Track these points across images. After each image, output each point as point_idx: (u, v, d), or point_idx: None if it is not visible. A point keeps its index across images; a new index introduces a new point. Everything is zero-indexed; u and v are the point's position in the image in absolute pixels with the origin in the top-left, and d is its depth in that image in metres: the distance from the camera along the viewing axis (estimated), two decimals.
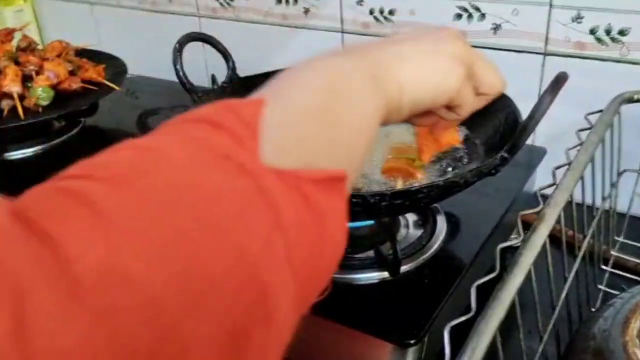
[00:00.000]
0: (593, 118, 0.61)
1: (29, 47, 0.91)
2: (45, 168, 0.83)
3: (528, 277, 0.40)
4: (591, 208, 0.58)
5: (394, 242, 0.52)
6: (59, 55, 0.91)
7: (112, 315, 0.20)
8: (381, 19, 0.89)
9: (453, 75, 0.41)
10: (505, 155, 0.48)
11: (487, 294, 0.38)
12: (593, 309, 0.59)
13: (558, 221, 0.46)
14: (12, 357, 0.18)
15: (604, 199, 0.62)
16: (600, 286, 0.63)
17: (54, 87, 0.85)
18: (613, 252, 0.68)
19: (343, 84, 0.34)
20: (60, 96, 0.85)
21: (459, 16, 0.82)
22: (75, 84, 0.87)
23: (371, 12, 0.90)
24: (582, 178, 0.52)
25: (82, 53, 0.97)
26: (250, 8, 1.03)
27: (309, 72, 0.34)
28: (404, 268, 0.54)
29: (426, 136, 0.52)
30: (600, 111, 0.62)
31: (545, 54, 0.77)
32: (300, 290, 0.27)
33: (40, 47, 0.95)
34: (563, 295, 0.50)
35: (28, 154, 0.86)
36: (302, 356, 0.48)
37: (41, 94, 0.82)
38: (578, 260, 0.53)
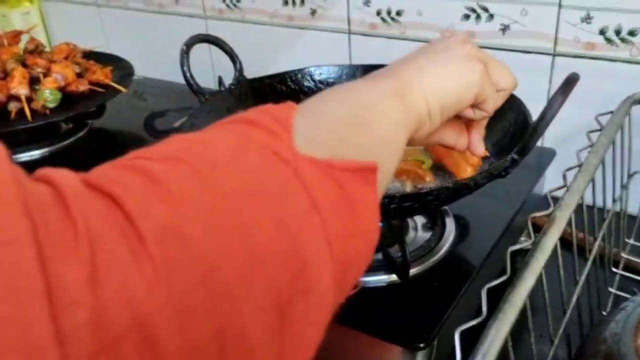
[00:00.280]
0: (603, 119, 0.61)
1: (36, 50, 0.92)
2: None
3: (539, 280, 0.40)
4: (602, 210, 0.58)
5: (404, 245, 0.51)
6: (66, 58, 0.91)
7: (172, 269, 0.22)
8: (388, 20, 0.89)
9: (474, 72, 0.42)
10: (516, 157, 0.47)
11: (496, 296, 0.38)
12: (604, 312, 0.58)
13: (569, 224, 0.45)
14: (88, 302, 0.19)
15: (614, 201, 0.62)
16: (611, 289, 0.63)
17: (61, 89, 0.85)
18: (624, 255, 0.67)
19: (370, 101, 0.36)
20: (68, 98, 0.86)
21: (466, 17, 0.82)
22: (82, 86, 0.87)
23: (378, 13, 0.90)
24: (592, 180, 0.51)
25: (89, 55, 0.97)
26: (256, 9, 1.03)
27: (334, 94, 0.36)
28: (412, 271, 0.54)
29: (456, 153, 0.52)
30: (611, 112, 0.61)
31: (554, 55, 0.77)
32: (337, 273, 0.28)
33: (47, 49, 0.95)
34: (574, 298, 0.50)
35: (35, 156, 0.86)
36: None
37: (49, 96, 0.82)
38: (589, 263, 0.53)
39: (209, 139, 0.29)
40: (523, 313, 0.38)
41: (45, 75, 0.84)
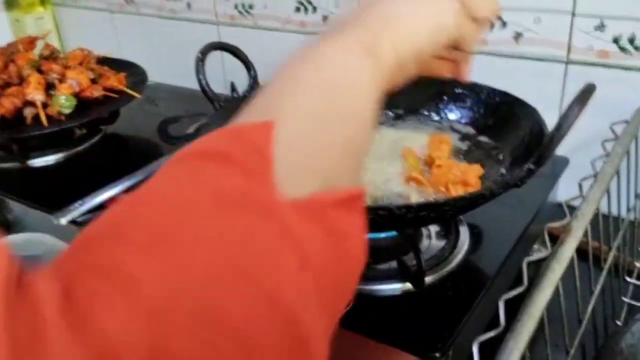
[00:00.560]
0: (617, 128, 0.61)
1: (51, 56, 0.92)
2: (67, 175, 0.84)
3: (555, 291, 0.40)
4: (616, 219, 0.57)
5: (418, 253, 0.51)
6: (80, 64, 0.92)
7: None
8: None
9: (446, 14, 0.40)
10: (532, 167, 0.47)
11: (511, 305, 0.38)
12: (618, 322, 0.58)
13: (584, 234, 0.45)
14: None
15: (629, 210, 0.62)
16: (624, 298, 0.62)
17: (76, 95, 0.85)
18: (637, 264, 0.67)
19: (340, 73, 0.33)
20: (82, 104, 0.86)
21: None
22: (97, 92, 0.87)
23: None
24: (607, 189, 0.51)
25: (103, 61, 0.98)
26: (269, 15, 1.03)
27: (306, 68, 0.34)
28: (427, 279, 0.54)
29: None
30: (626, 122, 0.61)
31: (567, 63, 0.76)
32: (328, 319, 0.27)
33: (61, 55, 0.96)
34: (589, 308, 0.50)
35: (50, 162, 0.87)
36: None
37: (64, 102, 0.83)
38: (604, 273, 0.53)
39: (179, 201, 0.25)
40: (539, 323, 0.38)
41: (61, 81, 0.85)
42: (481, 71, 0.81)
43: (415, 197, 0.55)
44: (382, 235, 0.57)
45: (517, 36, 0.79)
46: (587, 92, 0.46)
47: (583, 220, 0.46)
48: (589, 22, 0.73)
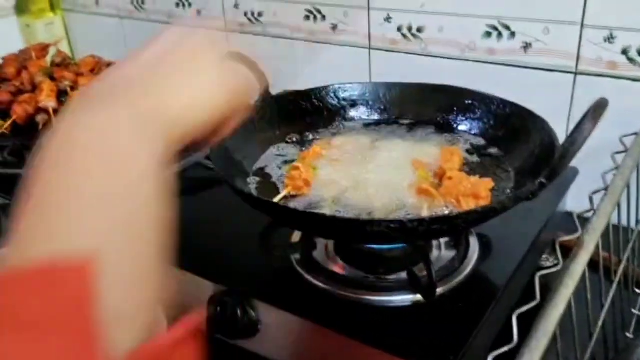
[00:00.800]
0: (627, 140, 0.61)
1: (63, 63, 0.93)
2: None
3: (567, 305, 0.41)
4: (626, 230, 0.58)
5: (429, 265, 0.52)
6: (92, 71, 0.93)
7: None
8: (409, 36, 0.90)
9: (226, 83, 0.38)
10: (544, 181, 0.48)
11: (522, 317, 0.38)
12: (628, 334, 0.58)
13: (596, 246, 0.46)
14: None
15: (638, 222, 0.62)
16: (634, 310, 0.63)
17: None
18: None
19: (117, 156, 0.31)
20: None
21: (488, 34, 0.82)
22: None
23: (399, 29, 0.90)
24: (618, 202, 0.52)
25: None
26: (278, 23, 1.04)
27: (79, 154, 0.30)
28: (437, 290, 0.54)
29: None
30: (635, 134, 0.61)
31: (576, 73, 0.77)
32: None
33: (73, 62, 0.97)
34: (600, 321, 0.50)
35: None
36: None
37: None
38: (614, 285, 0.53)
39: None
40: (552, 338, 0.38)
41: (73, 88, 0.86)
42: (489, 81, 0.82)
43: (426, 209, 0.55)
44: (393, 246, 0.57)
45: (526, 46, 0.80)
46: (600, 107, 0.46)
47: (595, 235, 0.46)
48: (598, 33, 0.74)
